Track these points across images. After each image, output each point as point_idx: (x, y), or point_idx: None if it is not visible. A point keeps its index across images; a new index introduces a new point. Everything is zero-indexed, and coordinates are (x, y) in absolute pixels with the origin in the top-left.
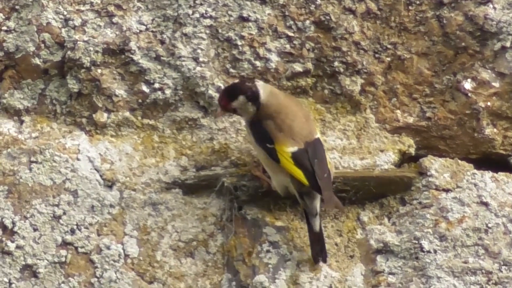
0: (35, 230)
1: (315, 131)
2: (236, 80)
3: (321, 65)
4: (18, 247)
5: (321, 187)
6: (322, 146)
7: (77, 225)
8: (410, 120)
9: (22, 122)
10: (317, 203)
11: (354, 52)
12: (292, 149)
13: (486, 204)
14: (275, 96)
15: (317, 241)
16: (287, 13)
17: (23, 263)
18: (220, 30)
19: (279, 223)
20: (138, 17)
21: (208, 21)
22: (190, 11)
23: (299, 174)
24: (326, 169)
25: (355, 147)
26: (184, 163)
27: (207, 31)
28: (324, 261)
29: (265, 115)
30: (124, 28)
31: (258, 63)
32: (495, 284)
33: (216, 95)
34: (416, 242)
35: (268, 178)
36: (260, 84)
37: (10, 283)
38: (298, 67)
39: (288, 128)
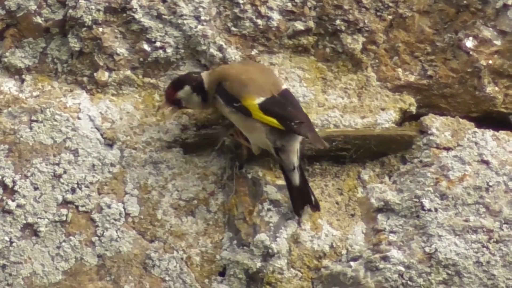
0: (35, 189)
1: (280, 82)
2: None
3: (322, 24)
4: (18, 206)
5: (302, 129)
6: (293, 95)
7: (77, 184)
8: (412, 78)
9: (23, 81)
10: (294, 157)
11: (355, 10)
12: (259, 100)
13: (487, 163)
14: (217, 70)
15: (298, 194)
16: None
17: (24, 221)
18: None
19: (279, 182)
20: None
21: None
22: None
23: (272, 122)
24: (303, 113)
25: (356, 106)
26: (184, 121)
27: None
28: (317, 209)
29: (218, 84)
30: None
31: (259, 21)
32: (496, 242)
33: (218, 54)
34: (417, 200)
35: (247, 142)
36: (204, 74)
37: (11, 242)
38: (299, 26)
39: (249, 80)
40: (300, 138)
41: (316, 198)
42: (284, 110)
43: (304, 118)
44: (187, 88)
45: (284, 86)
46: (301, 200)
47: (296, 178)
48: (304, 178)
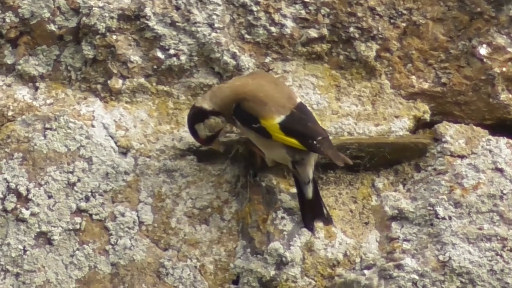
0: (49, 197)
1: (294, 95)
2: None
3: (336, 31)
4: (32, 214)
5: (324, 147)
6: (308, 109)
7: (91, 192)
8: (425, 85)
9: (37, 88)
10: (310, 171)
11: (369, 17)
12: (279, 119)
13: (501, 170)
14: (239, 86)
15: (310, 207)
16: None
17: (38, 230)
18: None
19: (293, 190)
20: None
21: None
22: None
23: (293, 142)
24: (321, 130)
25: (370, 113)
26: None
27: None
28: (329, 223)
29: (241, 100)
30: None
31: (273, 29)
32: (510, 250)
33: (231, 61)
34: (431, 208)
35: (261, 152)
36: (200, 99)
37: (25, 250)
38: (313, 33)
39: (267, 98)
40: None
41: (328, 211)
42: (305, 127)
43: (324, 132)
44: (198, 126)
45: (298, 100)
46: (312, 214)
47: (309, 192)
48: (317, 191)
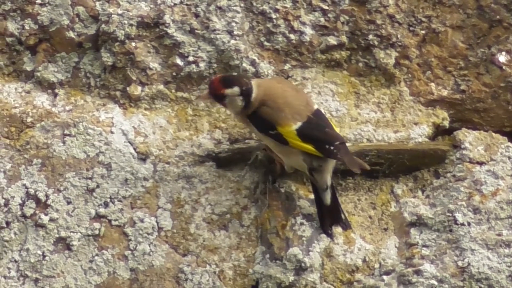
0: (68, 203)
1: (311, 101)
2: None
3: (355, 38)
4: (51, 219)
5: (340, 153)
6: (325, 115)
7: (110, 198)
8: (444, 93)
9: (56, 95)
10: (328, 177)
11: (388, 25)
12: (296, 126)
13: None
14: (262, 87)
15: (328, 213)
16: None
17: (57, 235)
18: (254, 3)
19: (312, 196)
20: None
21: None
22: None
23: (310, 149)
24: (338, 135)
25: (389, 120)
26: (218, 136)
27: (242, 4)
28: (348, 227)
29: (258, 104)
30: (159, 1)
31: (292, 36)
32: None
33: (251, 68)
34: (450, 214)
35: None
36: (254, 83)
37: (44, 256)
38: (332, 40)
39: (285, 105)
40: None
41: (347, 216)
42: (322, 133)
43: (341, 138)
44: (236, 89)
45: (315, 106)
46: (330, 220)
47: (328, 198)
48: (335, 197)
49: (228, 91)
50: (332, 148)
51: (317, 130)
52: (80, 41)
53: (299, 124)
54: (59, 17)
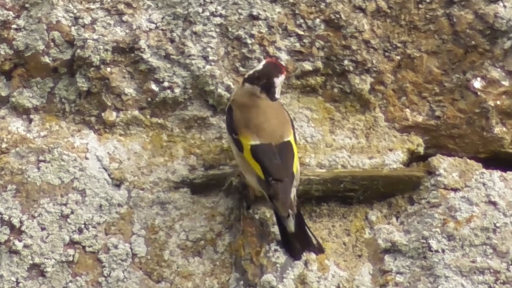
0: (42, 229)
1: (286, 135)
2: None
3: (330, 64)
4: (25, 246)
5: (276, 190)
6: (292, 149)
7: (85, 224)
8: (419, 119)
9: (31, 120)
10: (288, 205)
11: (364, 50)
12: (254, 142)
13: (494, 204)
14: (256, 101)
15: (295, 239)
16: (297, 12)
17: (31, 262)
18: (230, 29)
19: None
20: (148, 15)
21: (218, 20)
22: (200, 9)
23: (256, 167)
24: (289, 172)
25: (364, 146)
26: (192, 162)
27: (217, 30)
28: (321, 252)
29: (241, 105)
30: (134, 27)
31: None
32: (503, 283)
33: (226, 94)
34: (424, 241)
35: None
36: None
37: (18, 282)
38: (307, 66)
39: (255, 126)
40: (294, 188)
41: (319, 240)
42: (270, 162)
43: (285, 176)
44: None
45: (287, 138)
46: (297, 246)
47: (291, 225)
48: (302, 223)
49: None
50: (270, 179)
51: (267, 157)
52: (56, 66)
53: (257, 142)
54: (35, 42)
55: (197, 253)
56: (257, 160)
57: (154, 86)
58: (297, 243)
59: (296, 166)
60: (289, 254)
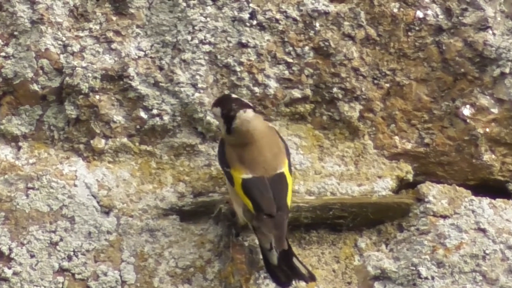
0: (32, 256)
1: (280, 166)
2: (236, 97)
3: (319, 91)
4: (15, 273)
5: (269, 226)
6: (286, 181)
7: (74, 251)
8: (408, 146)
9: (19, 148)
10: (271, 239)
11: (353, 78)
12: (246, 176)
13: (483, 231)
14: (253, 128)
15: (279, 271)
16: (286, 39)
17: None
18: (219, 56)
19: None
20: (137, 43)
21: (207, 47)
22: (189, 37)
23: (247, 202)
24: (281, 204)
25: (353, 173)
26: (181, 189)
27: (206, 57)
28: (312, 280)
29: (234, 142)
30: (123, 54)
31: (256, 89)
32: None
33: (215, 121)
34: (414, 268)
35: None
36: (241, 114)
37: None
38: (296, 93)
39: (249, 160)
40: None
41: (309, 269)
42: (262, 196)
43: (278, 209)
44: (217, 110)
45: (281, 170)
46: (283, 276)
47: (274, 259)
48: (288, 257)
49: (213, 110)
50: (263, 214)
51: (259, 191)
52: (44, 94)
53: (249, 176)
54: (23, 70)
55: (186, 280)
56: (248, 194)
57: (143, 114)
58: (281, 275)
59: (290, 197)
60: (275, 283)
